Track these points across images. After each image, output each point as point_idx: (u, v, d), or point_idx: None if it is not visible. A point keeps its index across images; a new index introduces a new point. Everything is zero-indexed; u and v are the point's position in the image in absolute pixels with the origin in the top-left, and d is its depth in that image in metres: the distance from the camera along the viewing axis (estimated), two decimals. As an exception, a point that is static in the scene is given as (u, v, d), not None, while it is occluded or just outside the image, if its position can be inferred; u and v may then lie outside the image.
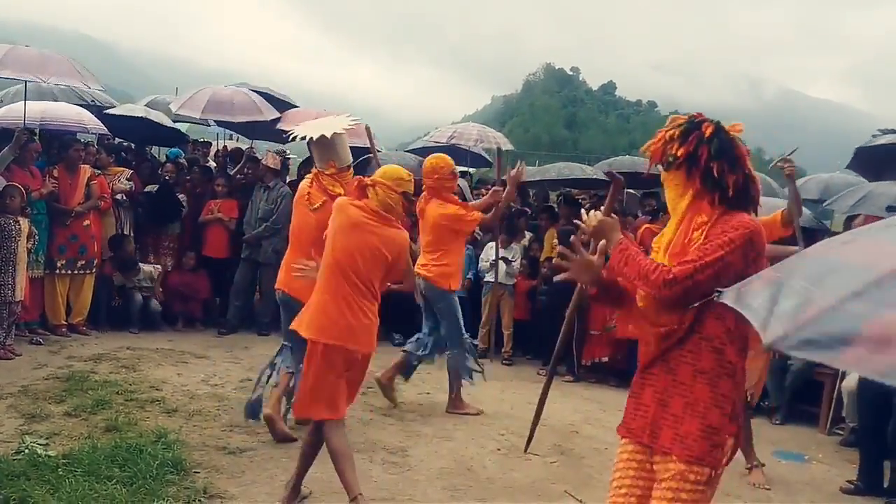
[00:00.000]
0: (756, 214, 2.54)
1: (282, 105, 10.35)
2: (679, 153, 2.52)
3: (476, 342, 5.90)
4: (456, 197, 6.00)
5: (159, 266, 8.15)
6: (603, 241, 2.65)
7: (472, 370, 6.01)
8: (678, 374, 2.46)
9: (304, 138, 5.03)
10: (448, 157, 5.92)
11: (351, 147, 5.25)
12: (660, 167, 2.66)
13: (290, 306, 4.74)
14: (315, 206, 4.89)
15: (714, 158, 2.47)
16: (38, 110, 8.27)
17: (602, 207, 2.84)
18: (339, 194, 4.63)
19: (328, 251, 3.82)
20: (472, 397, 6.44)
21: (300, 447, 3.95)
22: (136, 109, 10.02)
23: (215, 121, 9.88)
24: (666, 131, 2.61)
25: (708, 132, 2.51)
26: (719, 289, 2.07)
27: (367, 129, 6.52)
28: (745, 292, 1.94)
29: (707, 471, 2.40)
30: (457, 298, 5.94)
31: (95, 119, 8.78)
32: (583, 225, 2.72)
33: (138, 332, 7.70)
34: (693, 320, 2.43)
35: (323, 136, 4.87)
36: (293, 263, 4.49)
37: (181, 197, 8.39)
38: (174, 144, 10.86)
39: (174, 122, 10.42)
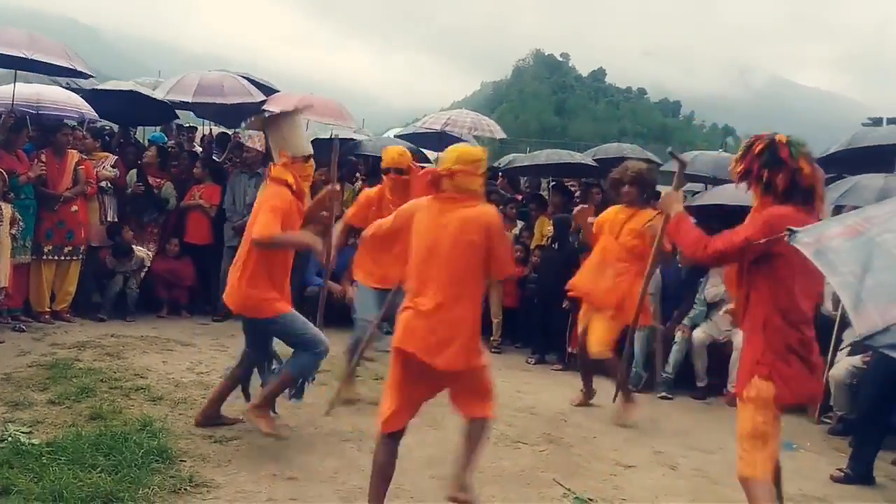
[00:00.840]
0: (812, 202, 3.18)
1: (264, 90, 10.25)
2: (738, 171, 3.35)
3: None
4: None
5: (149, 252, 8.10)
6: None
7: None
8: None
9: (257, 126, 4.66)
10: (408, 153, 5.66)
11: (332, 131, 5.00)
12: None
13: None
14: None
15: (764, 167, 3.23)
16: (32, 94, 8.14)
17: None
18: (286, 181, 4.42)
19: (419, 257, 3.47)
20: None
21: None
22: (123, 84, 9.92)
23: (207, 104, 9.74)
24: (734, 157, 3.44)
25: (758, 149, 3.27)
26: (792, 227, 2.18)
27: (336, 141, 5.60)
28: (827, 246, 1.82)
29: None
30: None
31: (87, 104, 8.66)
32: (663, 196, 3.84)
33: (107, 320, 7.61)
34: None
35: (276, 117, 4.54)
36: None
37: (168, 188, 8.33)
38: (161, 122, 10.76)
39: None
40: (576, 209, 6.47)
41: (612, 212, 5.92)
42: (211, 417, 4.74)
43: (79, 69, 7.92)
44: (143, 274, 7.94)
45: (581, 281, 5.89)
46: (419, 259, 3.47)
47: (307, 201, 4.75)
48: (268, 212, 4.28)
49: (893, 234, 1.66)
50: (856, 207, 6.65)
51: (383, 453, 3.55)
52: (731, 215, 6.97)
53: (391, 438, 3.56)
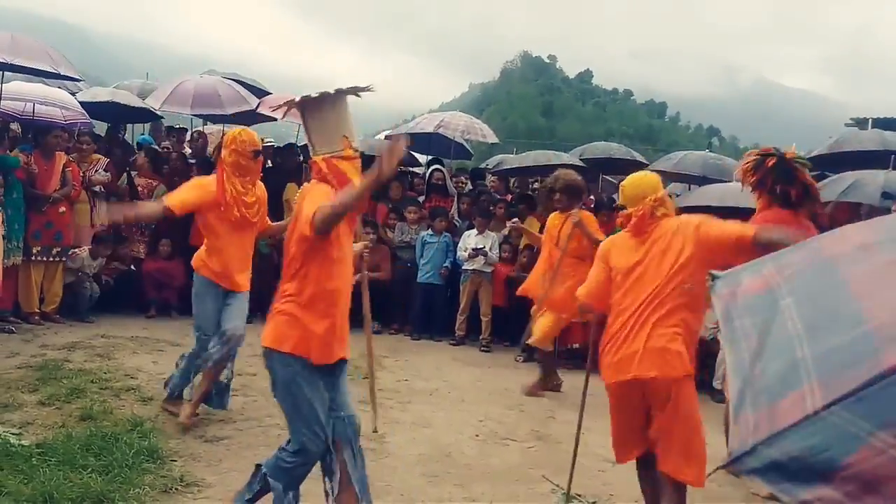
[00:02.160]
0: (815, 209, 4.13)
1: (252, 91, 10.24)
2: (751, 182, 3.99)
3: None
4: None
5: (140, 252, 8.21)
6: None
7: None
8: None
9: (304, 106, 3.31)
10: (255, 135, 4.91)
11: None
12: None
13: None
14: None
15: (777, 182, 3.84)
16: (32, 96, 8.06)
17: None
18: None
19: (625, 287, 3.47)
20: (449, 383, 6.47)
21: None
22: (101, 93, 9.88)
23: (204, 115, 9.74)
24: (744, 164, 4.08)
25: (770, 164, 3.87)
26: (714, 273, 1.91)
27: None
28: (734, 306, 1.63)
29: None
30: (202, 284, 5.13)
31: (81, 110, 8.58)
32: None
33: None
34: None
35: (325, 97, 3.26)
36: None
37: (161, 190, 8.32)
38: (147, 120, 10.78)
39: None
40: (510, 223, 7.28)
41: (550, 219, 6.41)
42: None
43: (63, 73, 7.83)
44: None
45: (532, 286, 6.42)
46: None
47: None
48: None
49: (796, 298, 1.48)
50: (859, 205, 6.75)
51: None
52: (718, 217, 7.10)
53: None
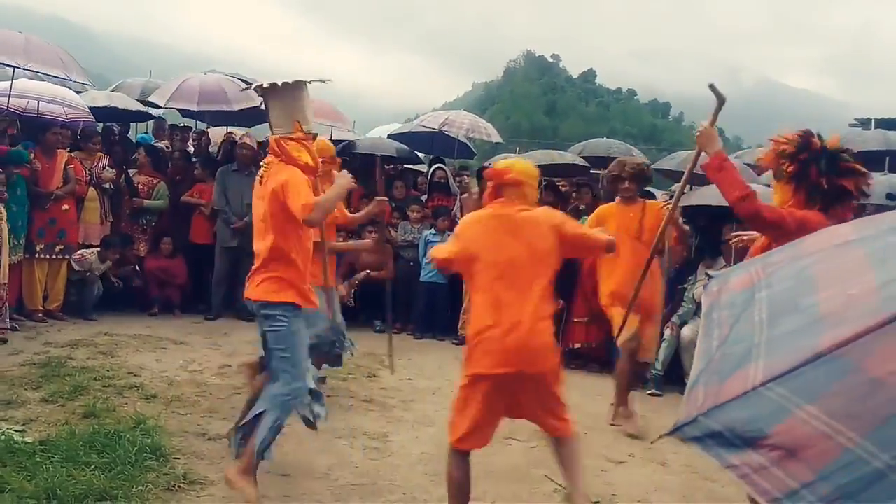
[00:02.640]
0: (853, 201, 3.25)
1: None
2: (789, 170, 3.20)
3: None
4: None
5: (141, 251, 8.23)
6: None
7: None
8: None
9: (266, 91, 3.90)
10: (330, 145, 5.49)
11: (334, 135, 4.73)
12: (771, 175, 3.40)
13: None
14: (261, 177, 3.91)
15: (823, 174, 3.12)
16: (34, 91, 8.05)
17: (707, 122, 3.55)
18: (307, 164, 3.83)
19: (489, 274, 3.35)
20: (452, 382, 6.45)
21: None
22: (99, 97, 9.89)
23: (211, 111, 9.75)
24: (780, 145, 3.27)
25: (816, 146, 3.19)
26: (710, 272, 2.00)
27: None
28: (719, 302, 1.70)
29: None
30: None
31: (86, 108, 8.55)
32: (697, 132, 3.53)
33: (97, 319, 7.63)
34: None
35: (284, 86, 3.85)
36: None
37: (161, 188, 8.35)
38: (146, 119, 10.84)
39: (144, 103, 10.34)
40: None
41: (614, 211, 5.71)
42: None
43: (74, 79, 7.85)
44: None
45: (621, 287, 5.36)
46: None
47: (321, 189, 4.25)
48: (297, 189, 3.71)
49: (769, 291, 1.57)
50: (864, 205, 6.81)
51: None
52: (717, 217, 7.10)
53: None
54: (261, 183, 3.90)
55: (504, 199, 3.46)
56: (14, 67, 7.19)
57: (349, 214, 5.37)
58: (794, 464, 1.19)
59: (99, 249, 7.72)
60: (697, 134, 3.53)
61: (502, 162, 3.75)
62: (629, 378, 5.58)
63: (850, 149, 3.29)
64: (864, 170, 3.23)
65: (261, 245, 3.85)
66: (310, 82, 3.97)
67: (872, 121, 13.99)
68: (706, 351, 1.55)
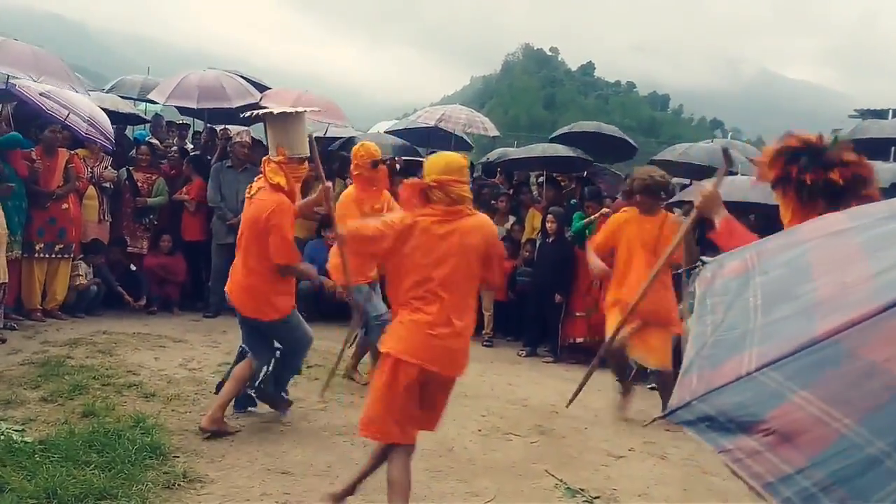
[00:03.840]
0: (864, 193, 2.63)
1: (254, 87, 10.23)
2: (770, 178, 2.77)
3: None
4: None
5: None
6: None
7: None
8: None
9: (258, 117, 4.63)
10: (374, 148, 5.63)
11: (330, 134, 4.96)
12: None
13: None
14: (251, 194, 4.57)
15: (807, 170, 2.65)
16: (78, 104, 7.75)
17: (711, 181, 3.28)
18: (279, 185, 4.43)
19: (413, 275, 3.35)
20: (452, 379, 6.46)
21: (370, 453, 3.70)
22: (91, 100, 9.85)
23: (211, 109, 9.73)
24: (762, 159, 2.83)
25: (796, 144, 2.73)
26: (704, 258, 2.00)
27: (311, 139, 4.93)
28: (713, 288, 1.70)
29: None
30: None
31: (109, 131, 8.18)
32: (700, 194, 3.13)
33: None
34: None
35: (280, 115, 4.47)
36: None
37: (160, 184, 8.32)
38: (136, 123, 10.81)
39: (142, 99, 10.32)
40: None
41: (631, 220, 5.66)
42: (217, 422, 4.58)
43: (79, 91, 7.81)
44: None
45: (625, 296, 5.35)
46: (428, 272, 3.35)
47: (298, 199, 4.83)
48: (287, 238, 4.50)
49: (763, 278, 1.57)
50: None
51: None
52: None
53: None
54: (249, 196, 4.59)
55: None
56: (23, 79, 7.19)
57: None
58: (789, 449, 1.19)
59: (82, 256, 7.74)
60: (700, 198, 3.13)
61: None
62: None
63: (846, 142, 2.92)
64: (855, 158, 2.73)
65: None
66: (298, 112, 4.59)
67: (890, 111, 13.95)
68: (699, 336, 1.55)
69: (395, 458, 3.44)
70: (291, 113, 4.48)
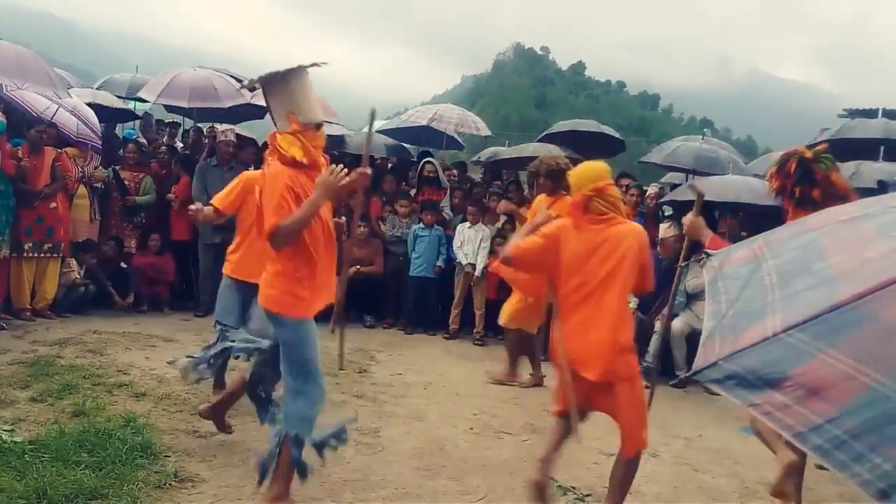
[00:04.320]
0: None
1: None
2: (775, 187, 3.61)
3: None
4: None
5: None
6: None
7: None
8: None
9: (254, 86, 3.84)
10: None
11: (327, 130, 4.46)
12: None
13: (248, 293, 4.45)
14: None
15: (797, 185, 3.49)
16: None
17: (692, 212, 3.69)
18: (294, 158, 3.56)
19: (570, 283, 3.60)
20: (443, 377, 6.48)
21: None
22: (84, 95, 9.74)
23: (201, 108, 9.68)
24: (769, 171, 3.71)
25: (793, 168, 3.51)
26: (709, 251, 2.08)
27: (373, 112, 4.78)
28: (724, 273, 1.81)
29: None
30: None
31: (98, 132, 8.26)
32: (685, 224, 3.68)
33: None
34: None
35: (272, 77, 3.63)
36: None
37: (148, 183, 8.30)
38: (127, 119, 10.76)
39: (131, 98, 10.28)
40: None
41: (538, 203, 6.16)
42: (218, 414, 4.43)
43: (62, 96, 7.69)
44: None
45: None
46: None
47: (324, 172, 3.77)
48: (275, 206, 3.48)
49: (777, 261, 1.67)
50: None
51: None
52: (711, 210, 7.13)
53: None
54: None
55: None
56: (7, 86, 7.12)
57: None
58: (817, 401, 1.24)
59: (72, 257, 7.71)
60: (686, 228, 3.68)
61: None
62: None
63: (828, 158, 3.58)
64: (833, 178, 3.52)
65: None
66: (301, 67, 3.66)
67: (880, 110, 13.99)
68: (715, 313, 1.62)
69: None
70: (297, 70, 3.65)
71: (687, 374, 1.45)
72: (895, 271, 1.34)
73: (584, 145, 9.76)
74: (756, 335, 1.42)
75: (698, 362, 1.49)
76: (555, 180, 6.05)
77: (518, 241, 3.77)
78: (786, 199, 3.56)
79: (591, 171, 3.70)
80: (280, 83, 3.63)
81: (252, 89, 4.03)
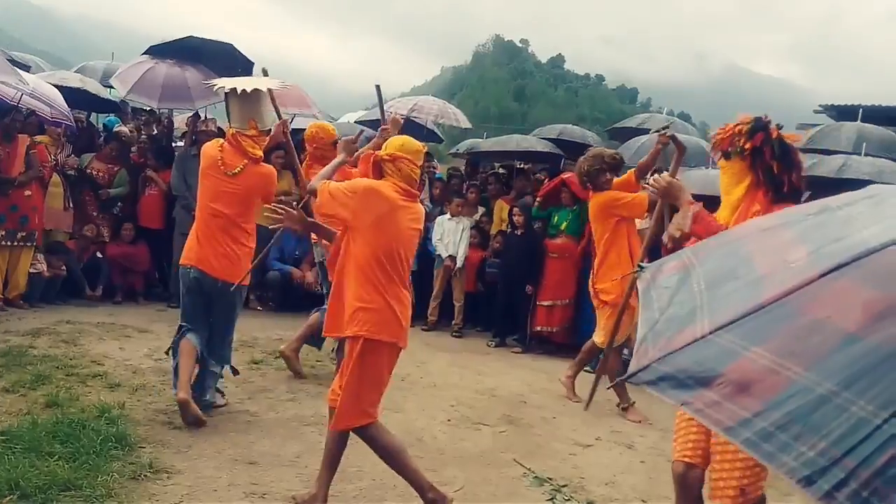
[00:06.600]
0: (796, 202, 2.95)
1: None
2: (746, 146, 2.98)
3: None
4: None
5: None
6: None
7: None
8: None
9: (227, 92, 4.67)
10: (331, 128, 5.86)
11: (293, 117, 5.06)
12: (720, 156, 3.11)
13: (202, 285, 4.66)
14: (234, 171, 4.60)
15: (775, 158, 2.96)
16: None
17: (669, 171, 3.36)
18: (259, 157, 4.69)
19: (367, 245, 3.46)
20: (421, 369, 6.48)
21: (324, 452, 3.70)
22: (71, 79, 9.60)
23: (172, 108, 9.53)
24: (735, 126, 3.04)
25: (774, 134, 3.00)
26: (642, 264, 2.13)
27: (378, 87, 5.43)
28: (655, 283, 1.83)
29: None
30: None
31: (67, 109, 8.01)
32: (654, 184, 3.15)
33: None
34: None
35: (254, 92, 4.64)
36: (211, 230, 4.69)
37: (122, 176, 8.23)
38: (106, 109, 10.56)
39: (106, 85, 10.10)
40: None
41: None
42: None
43: (20, 85, 7.52)
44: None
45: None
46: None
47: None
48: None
49: (704, 268, 1.74)
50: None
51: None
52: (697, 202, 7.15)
53: None
54: (223, 166, 4.61)
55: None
56: None
57: None
58: (745, 397, 1.30)
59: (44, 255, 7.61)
60: (661, 187, 3.11)
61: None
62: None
63: (797, 150, 3.14)
64: (802, 169, 3.10)
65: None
66: (269, 89, 4.73)
67: (858, 111, 14.03)
68: (648, 320, 1.67)
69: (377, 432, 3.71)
70: (262, 91, 4.70)
71: (622, 378, 1.48)
72: (814, 272, 1.40)
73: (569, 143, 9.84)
74: (686, 337, 1.48)
75: (632, 366, 1.54)
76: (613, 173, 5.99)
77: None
78: (752, 170, 2.99)
79: (398, 140, 3.72)
80: (251, 95, 4.61)
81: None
